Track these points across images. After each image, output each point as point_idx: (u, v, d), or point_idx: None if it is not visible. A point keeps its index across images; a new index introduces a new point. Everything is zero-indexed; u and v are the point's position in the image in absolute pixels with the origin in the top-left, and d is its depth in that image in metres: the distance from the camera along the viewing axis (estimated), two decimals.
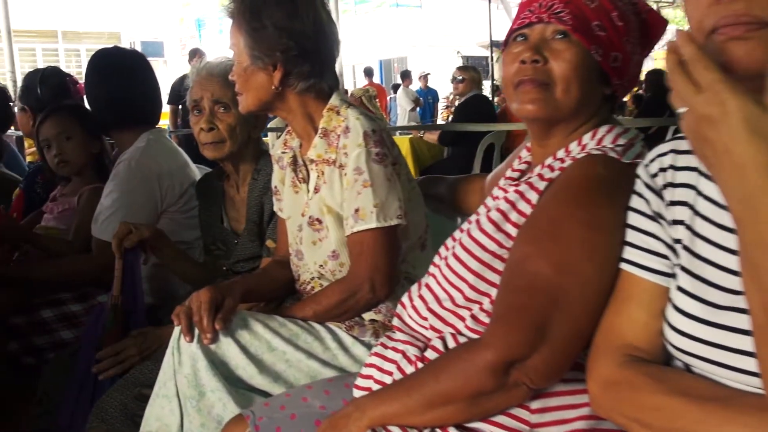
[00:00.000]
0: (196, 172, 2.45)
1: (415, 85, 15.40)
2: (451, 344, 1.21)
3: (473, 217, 1.33)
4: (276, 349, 1.60)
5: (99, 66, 2.39)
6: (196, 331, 1.56)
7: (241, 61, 1.67)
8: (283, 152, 1.84)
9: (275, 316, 1.67)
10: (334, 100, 1.71)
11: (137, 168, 2.27)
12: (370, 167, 1.61)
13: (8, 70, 8.45)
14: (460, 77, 6.31)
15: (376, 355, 1.34)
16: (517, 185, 1.24)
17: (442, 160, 6.79)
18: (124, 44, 16.39)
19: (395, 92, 14.17)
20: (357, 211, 1.61)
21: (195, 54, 7.38)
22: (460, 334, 1.22)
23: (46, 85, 2.85)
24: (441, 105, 15.11)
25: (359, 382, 1.33)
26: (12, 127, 3.81)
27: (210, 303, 1.56)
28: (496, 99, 10.49)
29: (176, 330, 1.59)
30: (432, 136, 7.17)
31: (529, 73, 1.18)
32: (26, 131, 2.93)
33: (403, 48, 19.63)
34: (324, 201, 1.69)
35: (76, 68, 15.82)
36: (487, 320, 1.18)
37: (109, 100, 2.35)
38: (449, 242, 1.36)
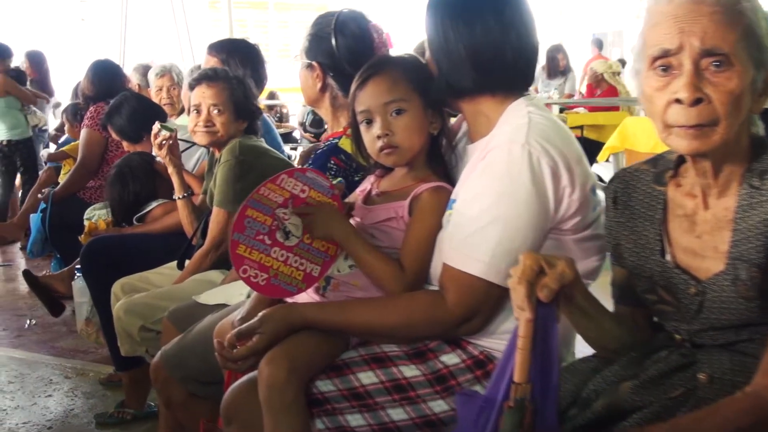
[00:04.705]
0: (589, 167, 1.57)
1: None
2: None
3: None
4: None
5: (455, 4, 1.55)
6: None
7: None
8: None
9: None
10: None
11: (524, 159, 1.42)
12: None
13: (227, 37, 8.25)
14: None
15: None
16: None
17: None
18: None
19: (622, 67, 12.74)
20: None
21: None
22: None
23: (344, 34, 2.07)
24: None
25: None
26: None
27: None
28: None
29: None
30: None
31: None
32: (311, 97, 2.17)
33: (620, 20, 17.93)
34: None
35: (284, 39, 15.67)
36: None
37: (473, 53, 1.51)
38: None
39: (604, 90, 8.40)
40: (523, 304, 1.14)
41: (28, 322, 4.22)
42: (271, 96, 9.75)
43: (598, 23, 18.26)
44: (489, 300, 1.44)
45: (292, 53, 15.52)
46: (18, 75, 6.86)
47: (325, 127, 8.44)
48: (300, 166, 1.72)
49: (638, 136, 6.47)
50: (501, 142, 1.45)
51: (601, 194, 1.55)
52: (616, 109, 8.02)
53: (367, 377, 1.47)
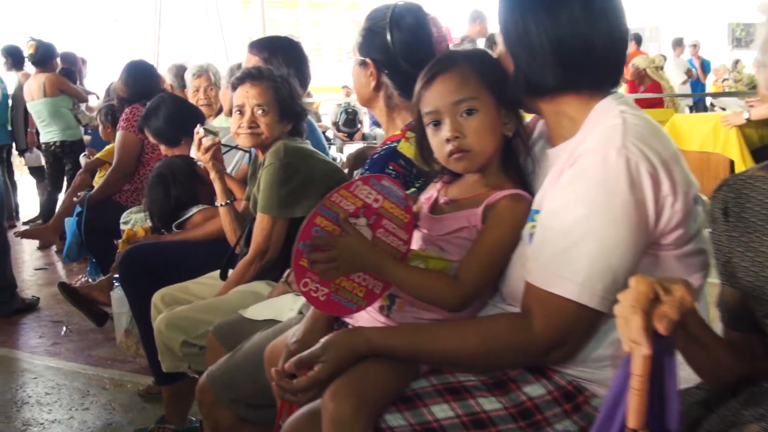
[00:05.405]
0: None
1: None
2: None
3: None
4: None
5: None
6: None
7: None
8: None
9: None
10: None
11: (620, 165, 1.25)
12: None
13: (259, 36, 8.13)
14: None
15: None
16: None
17: None
18: (364, 13, 15.86)
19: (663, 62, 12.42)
20: None
21: None
22: None
23: (399, 28, 1.91)
24: (709, 79, 13.23)
25: None
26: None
27: None
28: None
29: None
30: (762, 112, 5.69)
31: None
32: (364, 96, 2.01)
33: (658, 15, 17.57)
34: None
35: (316, 38, 15.58)
36: None
37: (558, 46, 1.35)
38: None
39: (648, 86, 8.15)
40: (639, 338, 0.97)
41: (64, 329, 4.14)
42: (307, 95, 9.63)
43: (634, 18, 17.91)
44: (581, 324, 1.28)
45: (324, 52, 15.44)
46: (68, 74, 6.80)
47: (359, 126, 8.35)
48: (374, 174, 1.57)
49: (686, 135, 6.25)
50: (593, 147, 1.28)
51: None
52: (660, 104, 7.77)
53: (442, 410, 1.31)
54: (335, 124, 11.19)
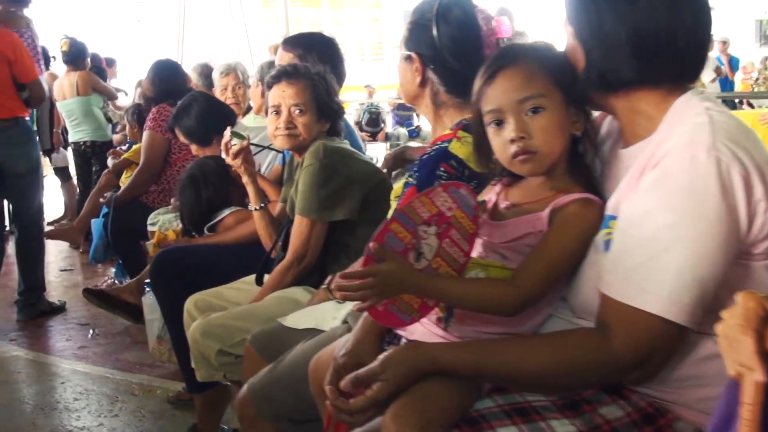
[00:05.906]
0: None
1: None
2: None
3: None
4: None
5: None
6: None
7: None
8: None
9: None
10: None
11: (710, 167, 1.14)
12: None
13: (283, 35, 8.08)
14: None
15: None
16: None
17: None
18: (386, 12, 15.79)
19: None
20: None
21: None
22: None
23: (447, 21, 1.80)
24: (738, 76, 13.01)
25: None
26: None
27: None
28: None
29: None
30: None
31: None
32: (410, 93, 1.88)
33: None
34: None
35: (338, 37, 15.52)
36: None
37: (637, 38, 1.24)
38: None
39: None
40: (752, 362, 0.87)
41: (91, 332, 4.08)
42: None
43: None
44: (666, 342, 1.17)
45: (346, 51, 15.38)
46: (99, 72, 6.75)
47: (382, 126, 8.23)
48: (452, 181, 1.48)
49: None
50: (677, 147, 1.18)
51: None
52: None
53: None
54: (358, 123, 11.11)
